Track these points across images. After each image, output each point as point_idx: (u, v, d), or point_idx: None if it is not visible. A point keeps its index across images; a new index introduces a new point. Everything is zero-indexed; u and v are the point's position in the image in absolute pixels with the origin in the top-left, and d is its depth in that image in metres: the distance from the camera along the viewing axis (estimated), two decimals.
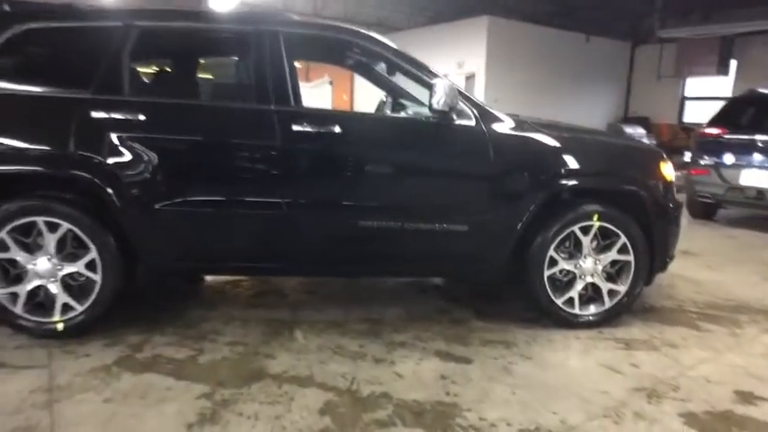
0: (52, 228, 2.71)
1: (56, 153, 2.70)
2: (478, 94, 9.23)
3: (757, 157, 5.85)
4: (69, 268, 2.77)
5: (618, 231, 3.03)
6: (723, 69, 11.74)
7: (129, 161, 2.70)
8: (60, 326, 2.78)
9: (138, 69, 3.19)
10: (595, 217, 3.00)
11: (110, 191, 2.70)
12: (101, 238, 2.74)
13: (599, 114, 13.48)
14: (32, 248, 2.75)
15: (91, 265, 2.77)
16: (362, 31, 3.05)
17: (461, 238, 2.95)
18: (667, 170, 3.18)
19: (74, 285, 2.81)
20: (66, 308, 2.79)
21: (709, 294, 3.83)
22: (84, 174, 2.70)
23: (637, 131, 12.38)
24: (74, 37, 2.82)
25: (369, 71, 3.75)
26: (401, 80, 3.31)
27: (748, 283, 4.17)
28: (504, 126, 2.97)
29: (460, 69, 10.93)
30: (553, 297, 3.06)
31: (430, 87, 2.82)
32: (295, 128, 2.77)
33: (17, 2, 2.87)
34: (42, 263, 2.74)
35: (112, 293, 2.82)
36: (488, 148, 2.88)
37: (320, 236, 2.91)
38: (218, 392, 2.34)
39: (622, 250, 3.06)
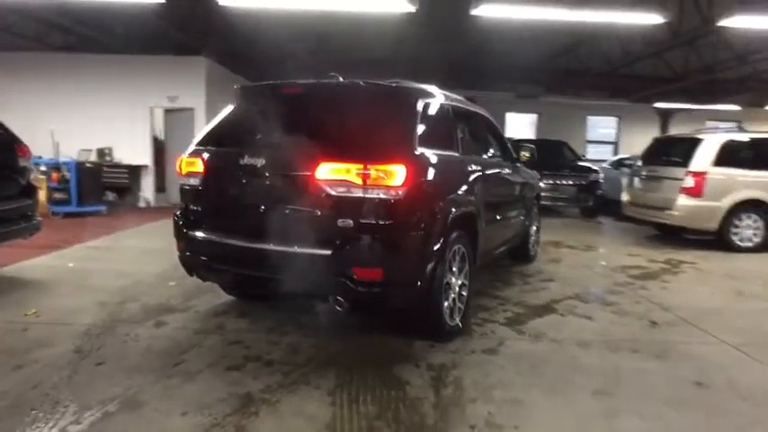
0: (459, 251, 3.71)
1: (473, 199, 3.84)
2: (199, 126, 9.55)
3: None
4: (461, 280, 3.79)
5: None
6: None
7: (482, 196, 4.07)
8: (460, 324, 3.77)
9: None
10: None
11: (478, 219, 3.98)
12: (468, 251, 3.92)
13: None
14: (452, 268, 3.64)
15: (465, 274, 3.89)
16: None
17: (518, 221, 5.68)
18: None
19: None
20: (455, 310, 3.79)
21: None
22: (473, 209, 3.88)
23: None
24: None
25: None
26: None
27: None
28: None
29: (171, 102, 10.75)
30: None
31: (506, 148, 5.42)
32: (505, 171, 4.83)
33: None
34: (455, 279, 3.68)
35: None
36: (521, 172, 5.73)
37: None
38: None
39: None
